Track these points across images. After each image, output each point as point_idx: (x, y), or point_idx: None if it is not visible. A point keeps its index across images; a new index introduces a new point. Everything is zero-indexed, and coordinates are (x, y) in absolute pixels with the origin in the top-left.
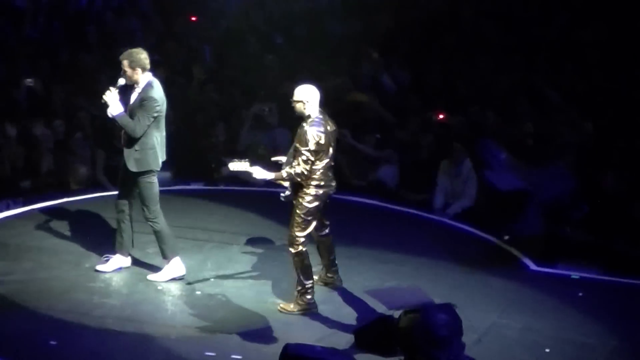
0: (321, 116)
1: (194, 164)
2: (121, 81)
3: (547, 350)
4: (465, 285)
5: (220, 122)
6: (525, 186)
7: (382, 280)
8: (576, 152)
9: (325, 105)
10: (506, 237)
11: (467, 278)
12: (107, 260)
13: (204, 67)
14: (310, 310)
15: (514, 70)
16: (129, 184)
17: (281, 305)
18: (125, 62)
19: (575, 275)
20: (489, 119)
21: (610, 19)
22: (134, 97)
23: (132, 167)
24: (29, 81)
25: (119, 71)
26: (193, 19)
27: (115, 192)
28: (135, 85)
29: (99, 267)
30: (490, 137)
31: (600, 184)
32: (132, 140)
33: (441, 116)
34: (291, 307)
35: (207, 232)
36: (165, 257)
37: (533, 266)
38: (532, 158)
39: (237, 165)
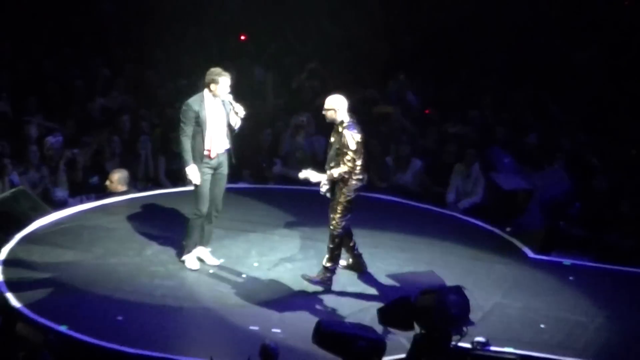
0: (353, 119)
1: (244, 165)
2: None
3: (543, 326)
4: (472, 271)
5: (267, 129)
6: (527, 186)
7: (401, 266)
8: (571, 157)
9: (355, 114)
10: (508, 230)
11: (474, 264)
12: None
13: (255, 84)
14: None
15: (524, 87)
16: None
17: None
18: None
19: (567, 262)
20: (498, 130)
21: (604, 44)
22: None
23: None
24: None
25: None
26: (243, 38)
27: (173, 191)
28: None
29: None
30: (497, 144)
31: (592, 185)
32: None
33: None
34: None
35: (253, 224)
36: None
37: (531, 254)
38: (534, 163)
39: (304, 173)
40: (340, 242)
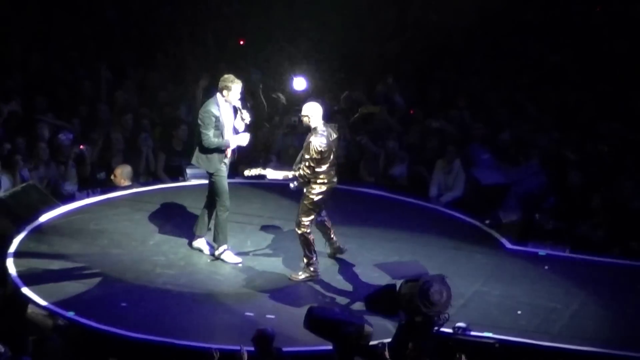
0: (324, 128)
1: (241, 161)
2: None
3: (520, 312)
4: (454, 260)
5: (263, 128)
6: (504, 181)
7: (387, 255)
8: (546, 153)
9: (343, 113)
10: (487, 222)
11: (455, 254)
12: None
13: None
14: (314, 279)
15: (502, 87)
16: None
17: (292, 275)
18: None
19: (542, 252)
20: (477, 128)
21: (577, 46)
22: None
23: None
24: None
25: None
26: (241, 42)
27: (173, 185)
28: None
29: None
30: (476, 142)
31: (566, 180)
32: None
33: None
34: (300, 276)
35: (248, 216)
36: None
37: (509, 245)
38: (511, 159)
39: (252, 171)
40: (309, 239)
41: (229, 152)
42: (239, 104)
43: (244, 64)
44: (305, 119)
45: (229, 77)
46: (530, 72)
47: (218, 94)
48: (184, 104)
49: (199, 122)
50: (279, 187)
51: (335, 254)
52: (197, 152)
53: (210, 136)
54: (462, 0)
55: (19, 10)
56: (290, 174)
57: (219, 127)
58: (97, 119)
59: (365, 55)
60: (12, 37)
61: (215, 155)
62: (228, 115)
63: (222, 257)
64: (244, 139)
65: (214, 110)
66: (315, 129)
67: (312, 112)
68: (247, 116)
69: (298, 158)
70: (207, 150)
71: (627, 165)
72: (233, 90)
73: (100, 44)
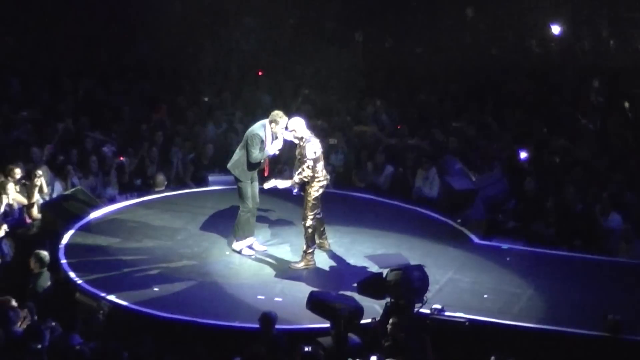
0: (311, 134)
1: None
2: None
3: (486, 296)
4: (431, 252)
5: None
6: (473, 187)
7: (375, 249)
8: (507, 165)
9: (339, 131)
10: (458, 221)
11: (432, 247)
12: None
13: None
14: (310, 266)
15: (470, 111)
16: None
17: (292, 264)
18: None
19: (505, 246)
20: (451, 142)
21: (532, 76)
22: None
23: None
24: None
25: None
26: (260, 73)
27: (197, 190)
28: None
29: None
30: (450, 154)
31: (523, 187)
32: None
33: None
34: (299, 265)
35: (259, 216)
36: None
37: (476, 240)
38: (478, 168)
39: (268, 184)
40: (313, 231)
41: (267, 161)
42: (279, 134)
43: (257, 89)
44: (292, 133)
45: (278, 113)
46: (494, 96)
47: (266, 122)
48: (211, 124)
49: (248, 141)
50: (286, 191)
51: (323, 245)
52: (235, 162)
53: (256, 153)
54: (448, 43)
55: (70, 46)
56: (296, 179)
57: (261, 149)
58: (135, 135)
59: (357, 82)
60: (64, 68)
61: (247, 168)
62: (269, 139)
63: (238, 249)
64: (277, 146)
65: (260, 134)
66: (303, 138)
67: (297, 126)
68: (280, 146)
69: (296, 165)
70: (245, 163)
71: (572, 175)
72: (280, 124)
73: (137, 74)
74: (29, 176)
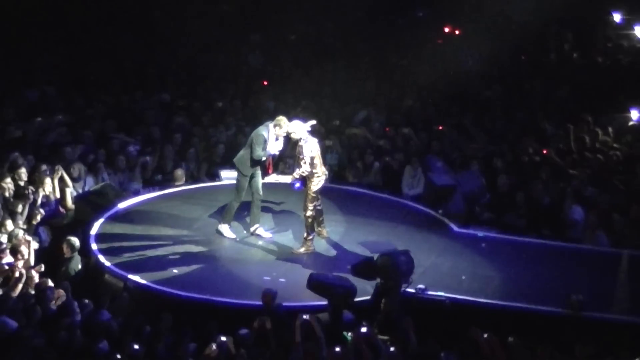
0: (308, 135)
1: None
2: None
3: (464, 277)
4: (416, 239)
5: None
6: (453, 183)
7: (367, 236)
8: (483, 162)
9: (335, 133)
10: (440, 212)
11: (417, 235)
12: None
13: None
14: (310, 251)
15: (451, 115)
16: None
17: (294, 249)
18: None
19: (480, 234)
20: (433, 144)
21: (505, 84)
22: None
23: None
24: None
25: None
26: (265, 83)
27: (211, 184)
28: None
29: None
30: (432, 154)
31: (496, 182)
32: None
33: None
34: (301, 250)
35: (264, 207)
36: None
37: (456, 229)
38: (457, 166)
39: (269, 178)
40: (312, 220)
41: (270, 160)
42: (281, 136)
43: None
44: (292, 135)
45: (282, 118)
46: (473, 103)
47: (270, 125)
48: (222, 127)
49: (253, 140)
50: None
51: (322, 233)
52: (240, 157)
53: (259, 151)
54: (430, 56)
55: (99, 59)
56: (296, 175)
57: (264, 148)
58: (156, 137)
59: (348, 92)
60: (91, 78)
61: (250, 164)
62: (272, 139)
63: (221, 230)
64: (278, 147)
65: (264, 134)
66: (301, 138)
67: (296, 129)
68: (280, 147)
69: (295, 163)
70: (248, 159)
71: (539, 172)
72: (283, 128)
73: (158, 83)
74: (67, 173)
